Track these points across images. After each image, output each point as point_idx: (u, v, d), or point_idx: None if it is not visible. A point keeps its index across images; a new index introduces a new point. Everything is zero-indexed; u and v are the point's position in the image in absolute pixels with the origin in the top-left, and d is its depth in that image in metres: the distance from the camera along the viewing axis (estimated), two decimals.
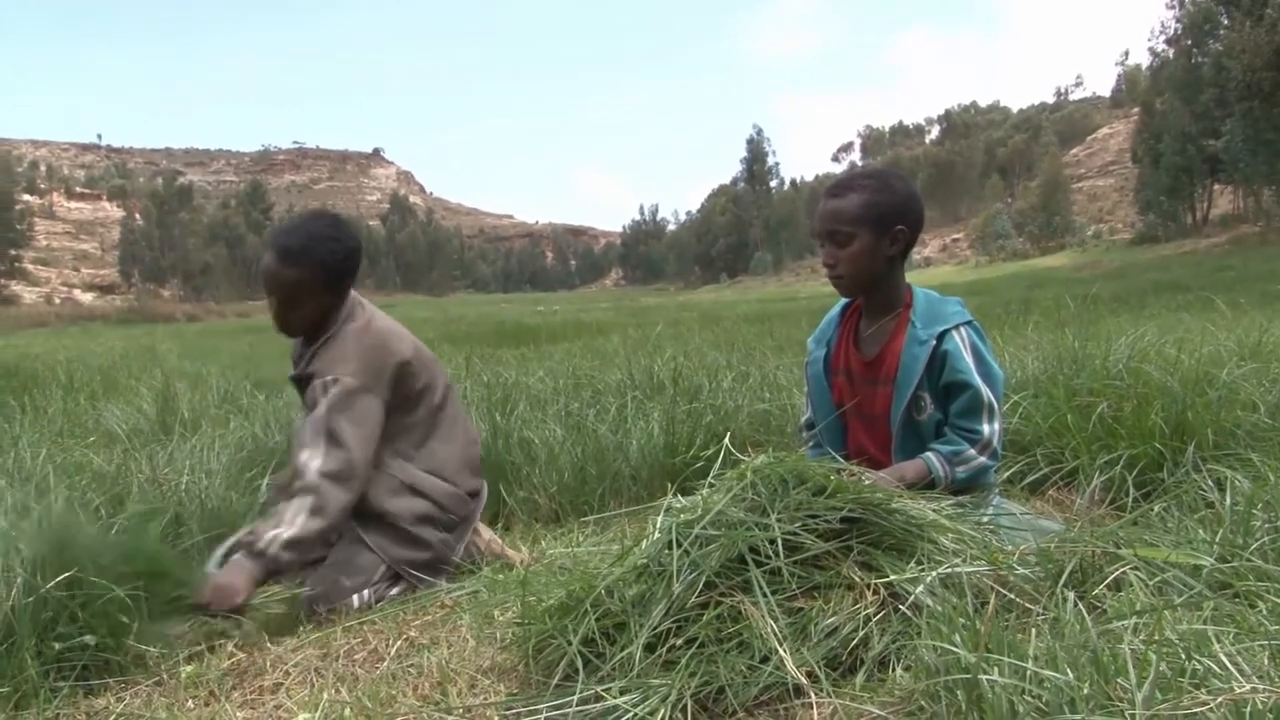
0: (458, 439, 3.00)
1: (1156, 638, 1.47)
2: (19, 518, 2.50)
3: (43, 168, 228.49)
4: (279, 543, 2.60)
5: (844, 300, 2.87)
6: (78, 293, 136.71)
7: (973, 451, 2.56)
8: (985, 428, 2.57)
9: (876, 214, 2.61)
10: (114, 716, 2.09)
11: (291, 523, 2.62)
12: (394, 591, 2.81)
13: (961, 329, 2.61)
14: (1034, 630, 1.58)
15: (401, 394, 2.88)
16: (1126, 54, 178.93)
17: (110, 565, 2.36)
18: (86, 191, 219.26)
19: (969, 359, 2.57)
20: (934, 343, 2.58)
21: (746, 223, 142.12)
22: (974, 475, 2.58)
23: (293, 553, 2.62)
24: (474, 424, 3.28)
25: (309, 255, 2.82)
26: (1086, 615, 1.64)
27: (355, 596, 2.73)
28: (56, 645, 2.21)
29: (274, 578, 2.69)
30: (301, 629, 2.58)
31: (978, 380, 2.56)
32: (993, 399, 2.58)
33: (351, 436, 2.71)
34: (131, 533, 2.69)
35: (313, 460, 2.69)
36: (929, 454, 2.58)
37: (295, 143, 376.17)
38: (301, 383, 2.89)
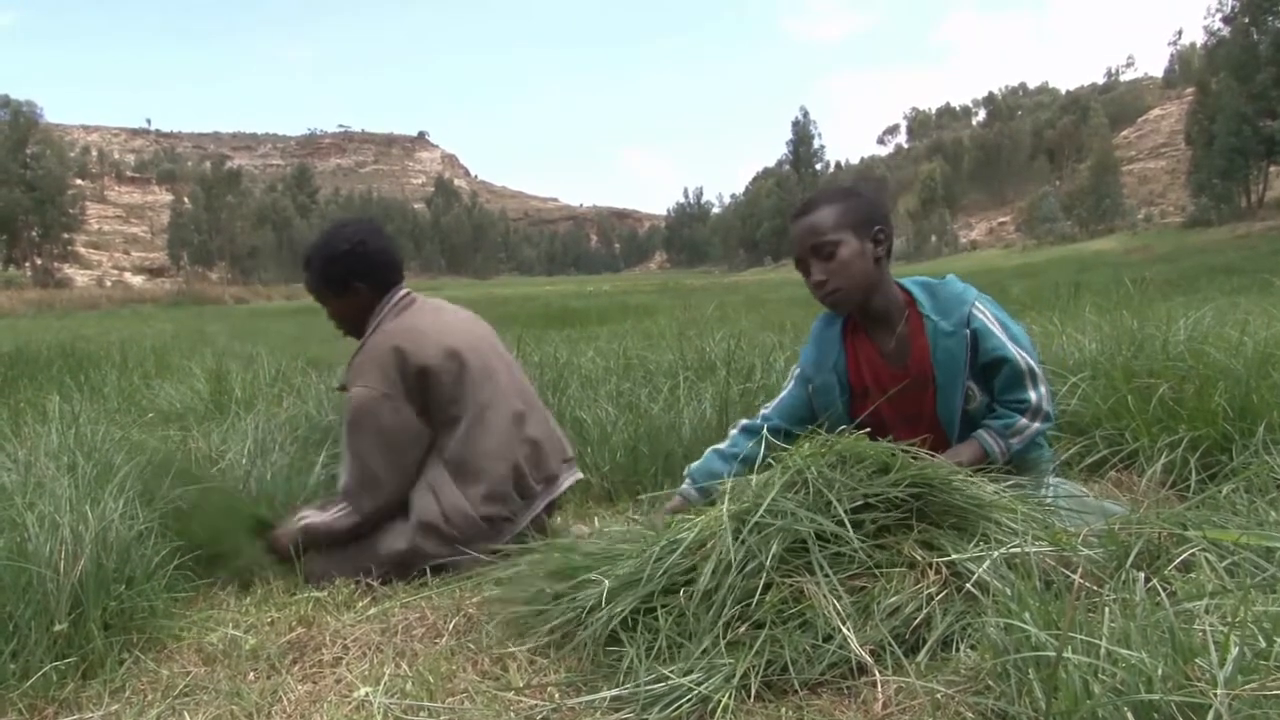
0: (491, 454, 2.88)
1: (1235, 619, 1.44)
2: (86, 493, 2.54)
3: (94, 153, 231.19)
4: (306, 523, 2.85)
5: (828, 318, 2.81)
6: (128, 275, 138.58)
7: (1024, 420, 2.56)
8: (1031, 394, 2.56)
9: (853, 219, 2.58)
10: (179, 687, 2.11)
11: (327, 513, 2.88)
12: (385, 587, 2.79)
13: (977, 305, 2.58)
14: (1105, 610, 1.55)
15: (430, 398, 2.85)
16: (1180, 33, 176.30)
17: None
18: (136, 176, 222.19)
19: (998, 332, 2.55)
20: (966, 332, 2.55)
21: (791, 205, 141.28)
22: (1029, 442, 2.59)
23: (314, 536, 2.84)
24: (548, 438, 3.11)
25: (310, 263, 3.06)
26: (1161, 594, 1.62)
27: (339, 580, 2.76)
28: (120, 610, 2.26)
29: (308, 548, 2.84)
30: (359, 604, 2.60)
31: (1012, 351, 2.54)
32: (1031, 363, 2.57)
33: (367, 449, 2.83)
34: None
35: (343, 475, 2.90)
36: (980, 432, 2.57)
37: (341, 126, 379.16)
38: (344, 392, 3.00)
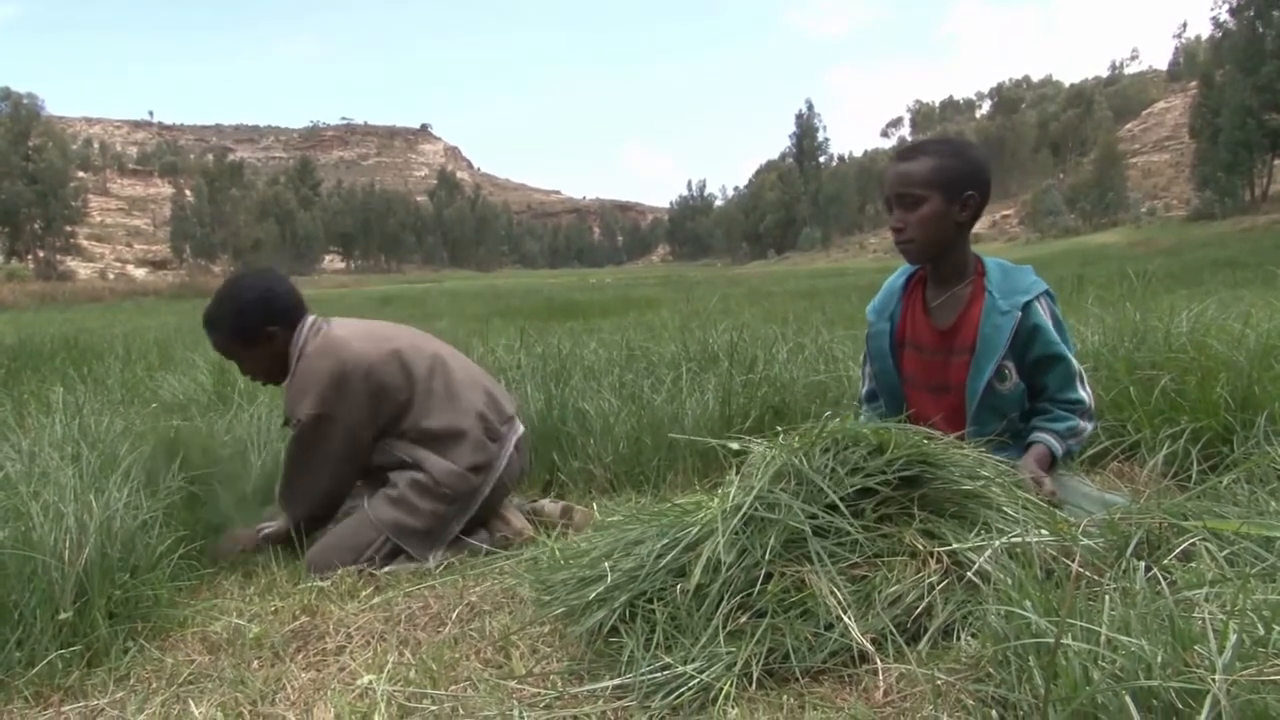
0: (455, 413, 3.00)
1: (1234, 607, 1.44)
2: (90, 482, 2.55)
3: (96, 145, 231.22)
4: (264, 532, 3.07)
5: (904, 271, 2.84)
6: (130, 268, 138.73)
7: (1082, 422, 2.61)
8: (1083, 394, 2.62)
9: (947, 178, 2.57)
10: (184, 675, 2.12)
11: (279, 521, 3.08)
12: (388, 567, 2.83)
13: (1042, 299, 2.61)
14: (1106, 599, 1.56)
15: (384, 389, 2.93)
16: (1184, 26, 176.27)
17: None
18: (139, 168, 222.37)
19: (1053, 330, 2.59)
20: (1019, 314, 2.56)
21: (795, 198, 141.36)
22: (1081, 444, 2.67)
23: (270, 541, 3.05)
24: (495, 387, 3.24)
25: (219, 321, 3.03)
26: (1161, 583, 1.62)
27: (341, 570, 2.79)
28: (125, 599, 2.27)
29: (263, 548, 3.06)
30: (363, 593, 2.61)
31: (1067, 350, 2.59)
32: (1077, 365, 2.62)
33: (306, 465, 2.97)
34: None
35: (278, 484, 3.09)
36: (1044, 435, 2.59)
37: (343, 119, 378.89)
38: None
